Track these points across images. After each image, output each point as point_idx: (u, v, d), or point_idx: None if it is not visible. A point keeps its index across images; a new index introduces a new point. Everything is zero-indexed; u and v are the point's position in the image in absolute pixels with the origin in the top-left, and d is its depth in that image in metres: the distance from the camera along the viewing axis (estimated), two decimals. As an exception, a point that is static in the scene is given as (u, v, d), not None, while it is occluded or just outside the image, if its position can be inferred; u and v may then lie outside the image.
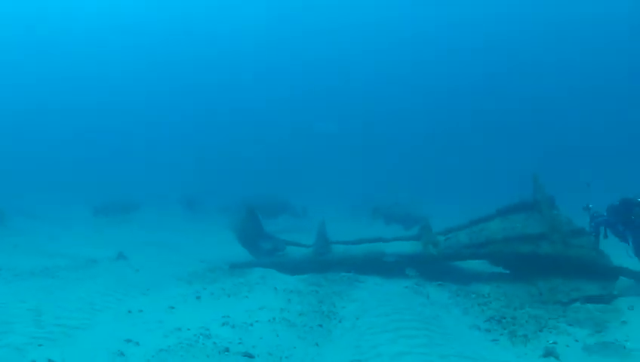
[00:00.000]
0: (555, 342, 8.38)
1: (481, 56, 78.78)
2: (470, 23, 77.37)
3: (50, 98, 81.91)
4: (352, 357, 7.88)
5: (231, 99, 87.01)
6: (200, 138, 72.85)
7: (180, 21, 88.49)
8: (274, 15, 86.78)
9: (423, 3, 78.95)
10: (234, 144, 66.51)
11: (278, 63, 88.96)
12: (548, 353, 7.88)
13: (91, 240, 21.40)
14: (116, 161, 60.97)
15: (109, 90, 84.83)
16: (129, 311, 10.17)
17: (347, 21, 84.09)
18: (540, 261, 11.98)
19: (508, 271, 12.77)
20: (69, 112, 79.48)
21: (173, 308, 10.42)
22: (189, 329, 8.88)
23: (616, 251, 11.76)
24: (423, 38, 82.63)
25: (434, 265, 13.24)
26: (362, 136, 71.04)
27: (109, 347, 8.07)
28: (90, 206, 29.89)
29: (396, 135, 71.55)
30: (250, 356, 7.78)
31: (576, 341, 8.49)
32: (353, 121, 75.28)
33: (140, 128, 77.75)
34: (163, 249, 19.35)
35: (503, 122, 69.16)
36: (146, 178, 47.63)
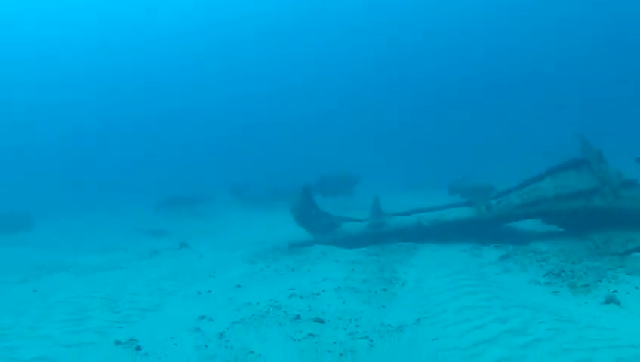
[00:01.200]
0: (615, 291, 8.41)
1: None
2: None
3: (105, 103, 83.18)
4: (418, 314, 8.20)
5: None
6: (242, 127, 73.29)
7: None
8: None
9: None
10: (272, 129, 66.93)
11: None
12: (609, 300, 7.94)
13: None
14: (170, 157, 61.87)
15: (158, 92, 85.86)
16: (198, 292, 10.56)
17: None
18: (593, 215, 12.08)
19: (562, 229, 12.92)
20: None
21: (240, 286, 10.80)
22: (258, 303, 9.24)
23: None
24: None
25: (488, 229, 13.44)
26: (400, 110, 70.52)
27: (185, 324, 8.49)
28: (151, 202, 30.65)
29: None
30: (321, 321, 8.13)
31: (637, 288, 8.50)
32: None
33: (185, 125, 78.45)
34: (222, 235, 19.83)
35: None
36: (198, 171, 48.31)
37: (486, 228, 13.45)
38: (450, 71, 78.59)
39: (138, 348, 7.51)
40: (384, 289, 9.70)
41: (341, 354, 6.92)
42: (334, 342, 7.31)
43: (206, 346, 7.48)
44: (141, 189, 39.79)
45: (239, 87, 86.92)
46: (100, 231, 24.07)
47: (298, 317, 8.37)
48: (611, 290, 8.49)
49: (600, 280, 9.04)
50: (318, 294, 9.57)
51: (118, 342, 7.74)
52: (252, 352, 7.14)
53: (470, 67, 77.34)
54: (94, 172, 54.43)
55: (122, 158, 63.43)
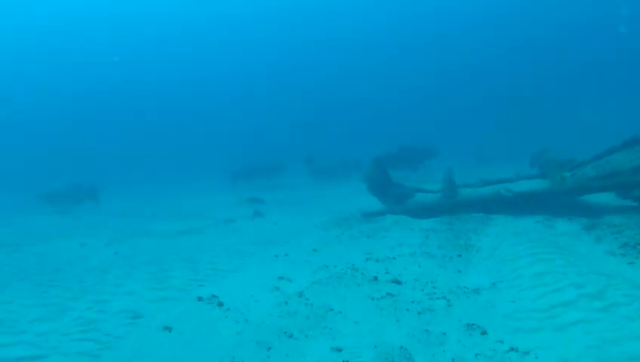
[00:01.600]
0: (693, 265, 8.32)
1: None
2: None
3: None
4: (494, 279, 8.37)
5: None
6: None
7: None
8: None
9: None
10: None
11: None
12: (687, 273, 7.96)
13: (226, 204, 22.42)
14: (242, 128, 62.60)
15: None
16: (276, 256, 10.93)
17: None
18: (671, 189, 11.98)
19: (636, 203, 12.79)
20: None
21: (316, 250, 11.13)
22: (335, 266, 9.53)
23: None
24: None
25: (562, 200, 13.39)
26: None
27: (264, 284, 8.88)
28: (227, 174, 31.23)
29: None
30: (399, 282, 8.37)
31: None
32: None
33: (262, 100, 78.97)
34: (295, 205, 20.17)
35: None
36: (270, 142, 48.91)
37: (559, 200, 13.42)
38: (529, 39, 76.65)
39: (220, 304, 7.91)
40: (459, 255, 9.88)
41: (419, 313, 7.16)
42: (412, 301, 7.55)
43: (286, 303, 7.82)
44: (214, 162, 40.50)
45: (320, 56, 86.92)
46: (177, 201, 24.71)
47: (376, 278, 8.62)
48: (690, 264, 8.42)
49: (677, 255, 8.96)
50: (394, 258, 9.81)
51: (200, 298, 8.17)
52: (332, 309, 7.43)
53: (553, 33, 75.31)
54: (166, 145, 55.45)
55: (195, 129, 64.47)
